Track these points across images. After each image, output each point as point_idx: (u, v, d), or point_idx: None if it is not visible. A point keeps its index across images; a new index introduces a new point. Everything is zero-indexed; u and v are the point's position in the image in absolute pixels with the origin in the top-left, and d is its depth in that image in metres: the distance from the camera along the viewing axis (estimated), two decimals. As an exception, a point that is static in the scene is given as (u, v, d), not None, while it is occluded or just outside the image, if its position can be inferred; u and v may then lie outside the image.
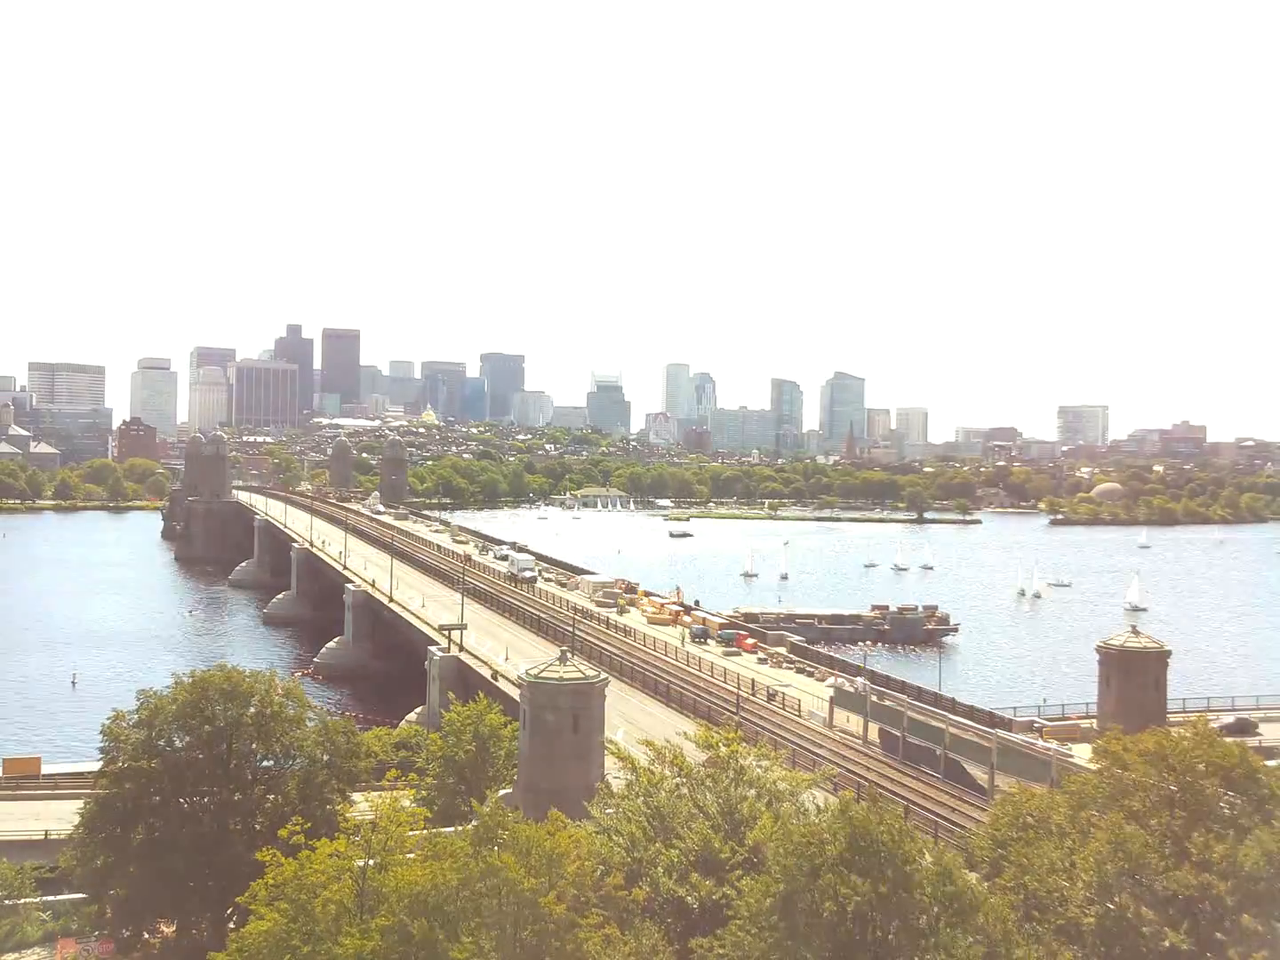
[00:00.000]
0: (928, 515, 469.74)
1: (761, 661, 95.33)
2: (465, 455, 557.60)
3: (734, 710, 72.33)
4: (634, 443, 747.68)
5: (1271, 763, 43.14)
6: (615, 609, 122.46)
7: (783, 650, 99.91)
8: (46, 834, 62.66)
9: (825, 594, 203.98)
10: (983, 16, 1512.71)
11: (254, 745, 49.83)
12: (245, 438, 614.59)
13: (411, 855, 32.83)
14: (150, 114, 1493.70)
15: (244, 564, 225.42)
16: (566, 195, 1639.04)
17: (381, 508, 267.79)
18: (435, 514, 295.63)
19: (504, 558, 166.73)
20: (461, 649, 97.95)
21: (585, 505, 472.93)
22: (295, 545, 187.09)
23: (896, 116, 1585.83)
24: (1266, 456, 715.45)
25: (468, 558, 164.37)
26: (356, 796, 51.13)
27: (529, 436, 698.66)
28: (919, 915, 26.50)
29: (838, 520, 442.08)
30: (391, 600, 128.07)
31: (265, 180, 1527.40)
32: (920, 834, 34.78)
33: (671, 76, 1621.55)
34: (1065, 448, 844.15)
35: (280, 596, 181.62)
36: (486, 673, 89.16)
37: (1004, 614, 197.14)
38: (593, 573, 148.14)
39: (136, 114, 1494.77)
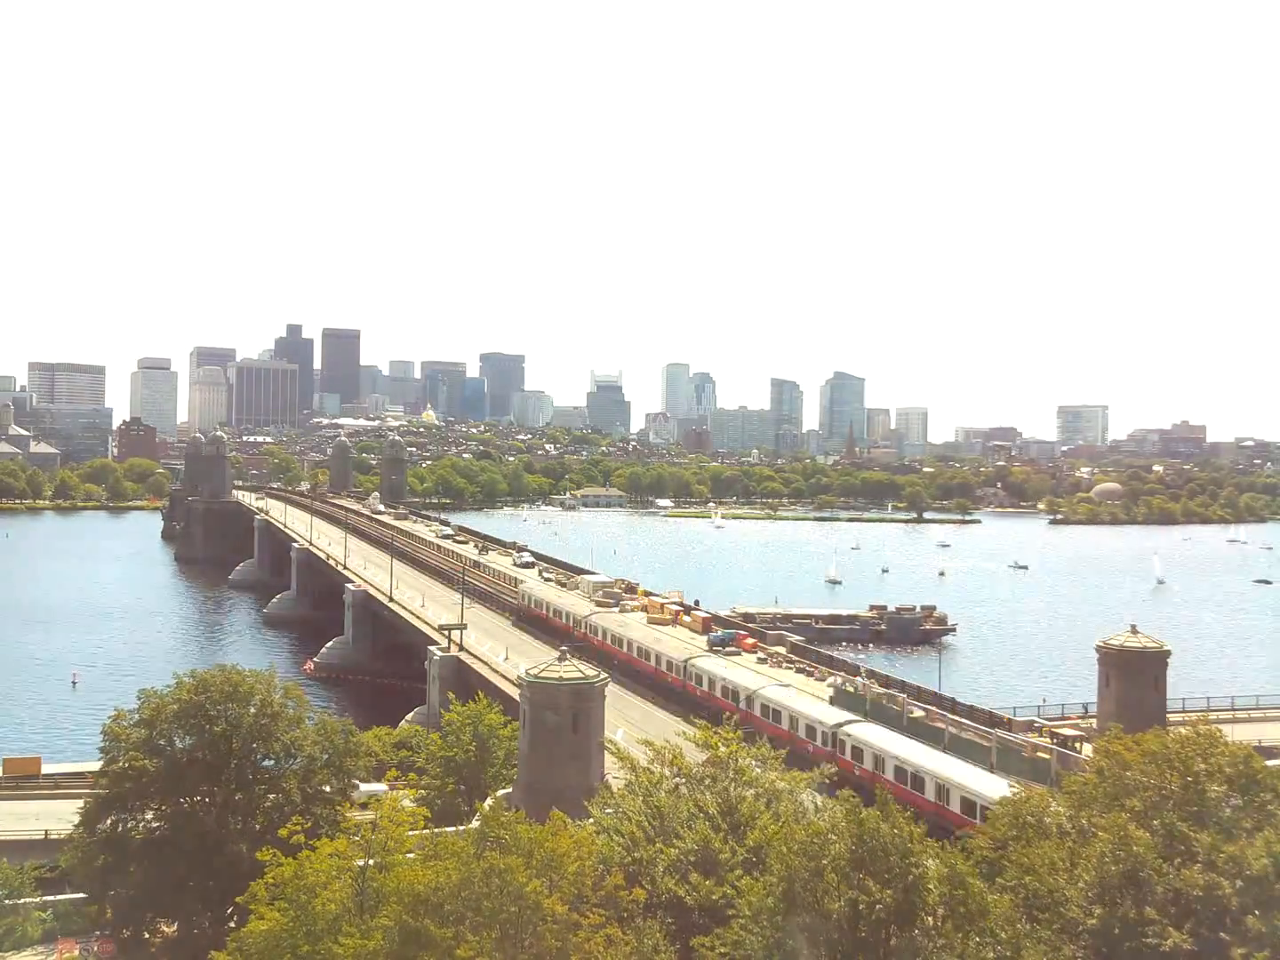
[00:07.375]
0: (927, 515, 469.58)
1: (761, 661, 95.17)
2: (465, 455, 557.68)
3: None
4: (634, 443, 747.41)
5: (1273, 763, 43.08)
6: (616, 608, 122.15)
7: (782, 650, 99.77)
8: (46, 834, 62.60)
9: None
10: (983, 16, 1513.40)
11: (254, 745, 49.80)
12: (245, 438, 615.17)
13: (412, 855, 32.82)
14: (151, 114, 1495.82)
15: (244, 564, 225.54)
16: (566, 195, 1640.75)
17: (381, 508, 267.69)
18: (436, 514, 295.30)
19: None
20: (461, 649, 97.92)
21: (585, 505, 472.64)
22: (295, 545, 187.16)
23: (896, 117, 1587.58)
24: (1266, 456, 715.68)
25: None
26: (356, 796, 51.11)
27: (529, 436, 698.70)
28: (927, 917, 26.45)
29: (837, 520, 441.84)
30: (391, 600, 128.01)
31: (265, 181, 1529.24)
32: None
33: (671, 77, 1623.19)
34: (1065, 448, 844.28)
35: (280, 596, 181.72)
36: (486, 672, 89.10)
37: (1003, 615, 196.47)
38: (593, 573, 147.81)
39: (137, 114, 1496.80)
